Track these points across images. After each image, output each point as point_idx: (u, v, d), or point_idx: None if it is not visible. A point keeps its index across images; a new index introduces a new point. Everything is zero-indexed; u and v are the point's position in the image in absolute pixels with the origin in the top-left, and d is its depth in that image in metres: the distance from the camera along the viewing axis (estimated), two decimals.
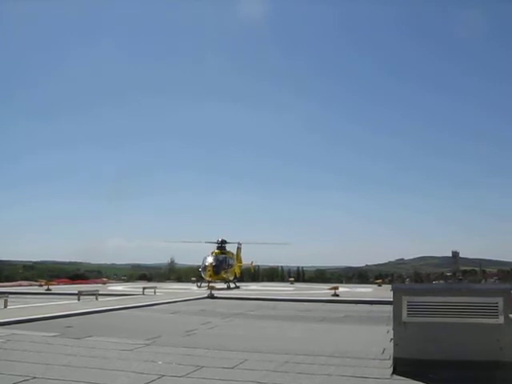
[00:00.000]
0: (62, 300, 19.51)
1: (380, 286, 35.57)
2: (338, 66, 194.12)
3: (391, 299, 6.94)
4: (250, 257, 45.96)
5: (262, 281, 55.75)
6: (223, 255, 37.75)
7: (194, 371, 6.62)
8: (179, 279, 54.37)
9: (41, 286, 31.89)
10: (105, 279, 44.66)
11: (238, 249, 42.83)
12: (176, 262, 70.76)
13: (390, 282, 39.84)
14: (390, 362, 6.80)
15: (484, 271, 76.86)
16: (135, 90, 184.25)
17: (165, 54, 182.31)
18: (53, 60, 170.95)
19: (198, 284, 34.53)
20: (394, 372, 6.45)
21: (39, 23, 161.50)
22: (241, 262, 43.01)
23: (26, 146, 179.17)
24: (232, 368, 6.87)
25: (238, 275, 41.02)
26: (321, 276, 73.69)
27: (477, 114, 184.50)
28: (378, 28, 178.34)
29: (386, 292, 9.71)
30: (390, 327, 6.94)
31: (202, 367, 6.87)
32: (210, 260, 35.89)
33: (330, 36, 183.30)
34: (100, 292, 21.52)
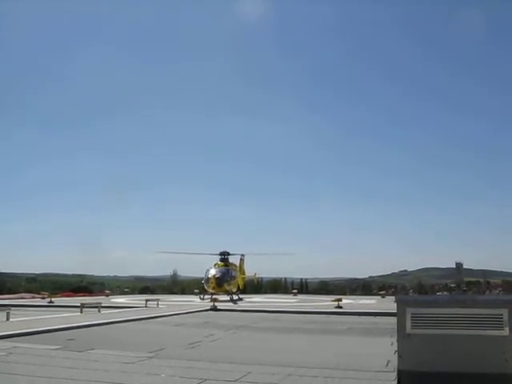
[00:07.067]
0: (64, 312, 19.45)
1: (384, 297, 35.41)
2: (342, 77, 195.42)
3: (395, 311, 6.88)
4: (253, 268, 45.92)
5: (266, 293, 55.61)
6: (226, 267, 37.62)
7: None
8: (182, 291, 54.23)
9: (43, 298, 31.86)
10: (108, 291, 44.59)
11: (241, 260, 42.72)
12: (179, 274, 70.90)
13: (393, 294, 39.62)
14: (395, 374, 6.73)
15: (488, 282, 76.53)
16: (136, 101, 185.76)
17: (164, 63, 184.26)
18: (52, 69, 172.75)
19: (201, 296, 34.37)
20: None
21: (39, 31, 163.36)
22: (244, 274, 42.89)
23: (28, 157, 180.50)
24: (235, 381, 6.82)
25: (241, 287, 40.87)
26: (324, 288, 73.56)
27: (479, 127, 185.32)
28: (379, 36, 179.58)
29: (389, 303, 9.67)
30: (394, 339, 6.88)
31: (205, 380, 6.82)
32: (212, 272, 35.77)
33: (331, 43, 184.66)
34: (103, 304, 21.47)
